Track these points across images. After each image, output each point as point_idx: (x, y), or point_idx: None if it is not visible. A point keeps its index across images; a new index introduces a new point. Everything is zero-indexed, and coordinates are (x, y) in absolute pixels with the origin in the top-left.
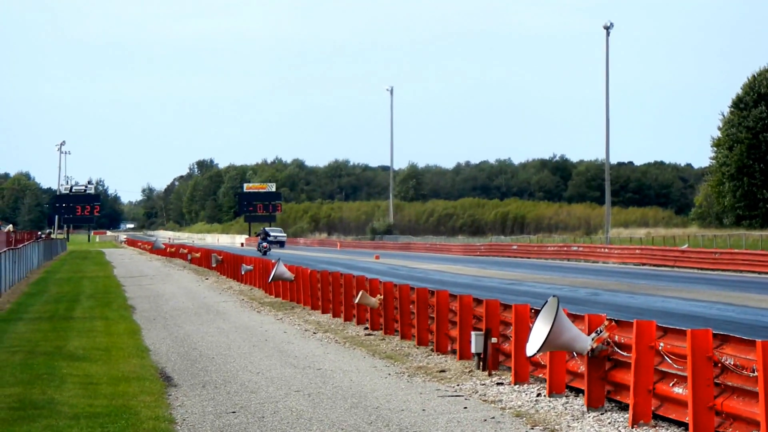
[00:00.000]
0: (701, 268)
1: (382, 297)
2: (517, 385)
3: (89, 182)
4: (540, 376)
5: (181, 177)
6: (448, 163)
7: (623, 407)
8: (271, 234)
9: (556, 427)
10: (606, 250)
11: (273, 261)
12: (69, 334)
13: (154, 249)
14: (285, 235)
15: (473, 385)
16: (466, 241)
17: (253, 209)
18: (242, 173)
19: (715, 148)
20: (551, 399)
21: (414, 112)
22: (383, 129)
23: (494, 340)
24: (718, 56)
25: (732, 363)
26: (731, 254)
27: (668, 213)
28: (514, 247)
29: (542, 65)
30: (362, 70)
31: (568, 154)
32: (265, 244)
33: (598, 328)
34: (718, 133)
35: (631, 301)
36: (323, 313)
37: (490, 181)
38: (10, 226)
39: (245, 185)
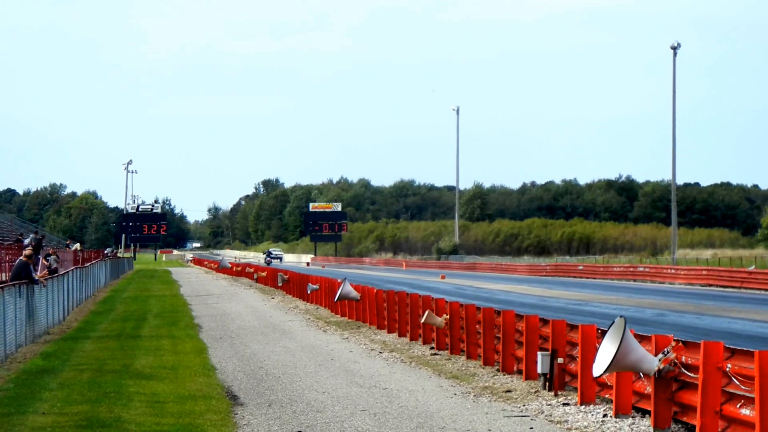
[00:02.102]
0: None
1: (448, 317)
2: (584, 406)
3: (156, 201)
4: (606, 396)
5: (247, 196)
6: (514, 183)
7: (690, 428)
8: (273, 253)
9: None
10: (672, 271)
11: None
12: (136, 352)
13: (221, 268)
14: (282, 253)
15: (539, 405)
16: (532, 261)
17: (318, 229)
18: (308, 193)
19: None
20: (617, 420)
21: (480, 131)
22: (449, 149)
23: (560, 360)
24: None
25: None
26: None
27: (735, 234)
28: (580, 267)
29: (607, 84)
30: (428, 89)
31: (634, 175)
32: (269, 259)
33: (665, 349)
34: None
35: (698, 322)
36: (389, 332)
37: (556, 202)
38: (78, 245)
39: (311, 205)
